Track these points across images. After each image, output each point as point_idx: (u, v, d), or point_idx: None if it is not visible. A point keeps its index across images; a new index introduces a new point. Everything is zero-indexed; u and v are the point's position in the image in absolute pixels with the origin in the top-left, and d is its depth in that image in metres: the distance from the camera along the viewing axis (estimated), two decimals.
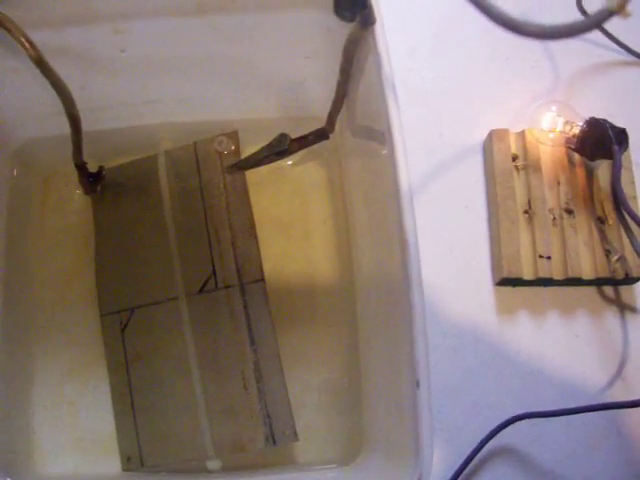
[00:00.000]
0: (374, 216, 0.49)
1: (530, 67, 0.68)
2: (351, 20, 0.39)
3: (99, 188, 0.61)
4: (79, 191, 0.61)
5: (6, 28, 0.44)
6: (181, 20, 0.48)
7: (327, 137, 0.56)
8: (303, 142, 0.56)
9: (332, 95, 0.50)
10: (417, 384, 0.35)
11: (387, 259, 0.45)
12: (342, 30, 0.43)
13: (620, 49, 0.70)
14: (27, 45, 0.44)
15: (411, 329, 0.35)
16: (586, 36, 0.67)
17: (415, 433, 0.34)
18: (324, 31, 0.47)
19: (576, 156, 0.63)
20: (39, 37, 0.45)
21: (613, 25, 0.67)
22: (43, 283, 0.59)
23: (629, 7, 0.28)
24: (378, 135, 0.44)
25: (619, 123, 0.61)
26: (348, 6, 0.38)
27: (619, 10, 0.28)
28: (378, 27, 0.40)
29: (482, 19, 0.31)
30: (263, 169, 0.59)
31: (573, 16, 0.28)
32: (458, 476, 0.55)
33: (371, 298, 0.53)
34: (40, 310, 0.59)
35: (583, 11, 0.68)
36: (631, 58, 0.70)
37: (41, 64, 0.45)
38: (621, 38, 0.69)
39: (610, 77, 0.70)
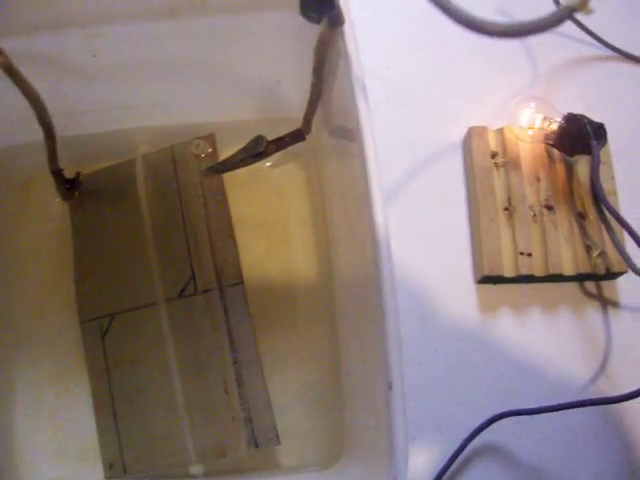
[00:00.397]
0: (350, 217, 0.49)
1: (508, 63, 0.68)
2: (318, 21, 0.39)
3: (77, 194, 0.60)
4: (58, 198, 0.61)
5: None
6: (152, 23, 0.48)
7: (304, 138, 0.55)
8: (280, 144, 0.55)
9: (307, 96, 0.50)
10: (390, 386, 0.34)
11: (362, 260, 0.45)
12: (313, 31, 0.43)
13: (598, 43, 0.70)
14: None
15: (383, 331, 0.35)
16: (564, 31, 0.68)
17: (389, 435, 0.34)
18: (295, 32, 0.47)
19: (555, 152, 0.63)
20: (7, 44, 0.44)
21: (591, 20, 0.67)
22: (22, 290, 0.59)
23: (591, 4, 0.28)
24: (351, 135, 0.44)
25: (599, 117, 0.61)
26: (314, 8, 0.38)
27: (581, 7, 0.28)
28: (347, 28, 0.40)
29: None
30: (241, 171, 0.58)
31: (548, 9, 0.28)
32: (442, 475, 0.55)
33: (349, 300, 0.53)
34: (20, 317, 0.58)
35: (557, 2, 0.68)
36: (609, 52, 0.70)
37: (10, 72, 0.45)
38: (599, 32, 0.69)
39: (589, 71, 0.70)
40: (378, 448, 0.39)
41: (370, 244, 0.37)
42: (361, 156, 0.38)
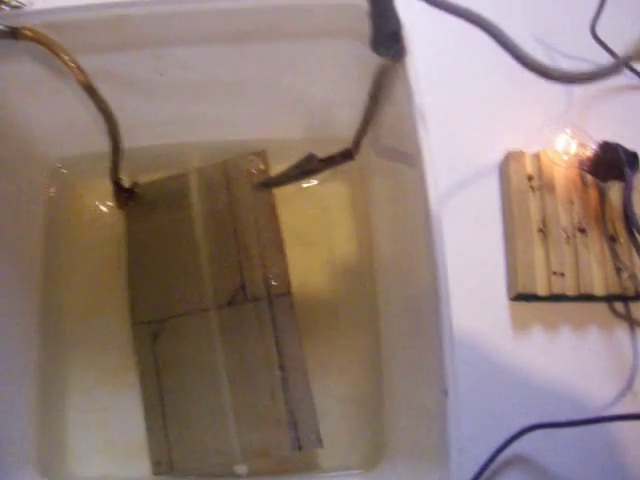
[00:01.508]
0: (399, 234, 0.52)
1: (544, 90, 0.71)
2: (387, 55, 0.42)
3: (131, 203, 0.63)
4: (111, 205, 0.64)
5: (56, 54, 0.47)
6: (218, 47, 0.51)
7: (353, 158, 0.58)
8: (330, 162, 0.58)
9: (357, 118, 0.53)
10: (445, 393, 0.37)
11: (412, 277, 0.48)
12: (371, 58, 0.45)
13: (632, 74, 0.72)
14: (76, 70, 0.47)
15: (441, 343, 0.37)
16: (600, 61, 0.70)
17: (443, 441, 0.37)
18: (354, 59, 0.50)
19: (589, 177, 0.65)
20: (84, 61, 0.47)
21: (625, 49, 0.70)
22: (78, 293, 0.62)
23: None
24: (405, 157, 0.46)
25: (630, 145, 0.64)
26: (384, 42, 0.41)
27: (638, 57, 0.31)
28: (409, 59, 0.43)
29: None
30: (290, 187, 0.61)
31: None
32: None
33: (395, 312, 0.55)
34: (75, 318, 0.61)
35: (597, 38, 0.70)
36: None
37: (88, 88, 0.48)
38: (636, 64, 0.72)
39: (622, 100, 0.72)
40: (425, 453, 0.42)
41: (427, 263, 0.40)
42: (421, 182, 0.40)
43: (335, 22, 0.48)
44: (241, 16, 0.47)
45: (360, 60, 0.49)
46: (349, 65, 0.51)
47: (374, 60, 0.45)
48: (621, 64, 0.30)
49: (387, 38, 0.40)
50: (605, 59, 0.70)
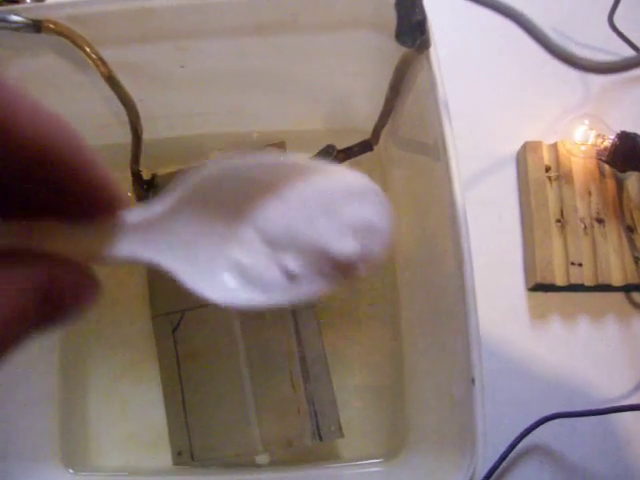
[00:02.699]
0: (420, 225, 0.52)
1: (562, 80, 0.71)
2: (411, 46, 0.42)
3: (151, 194, 0.63)
4: (131, 197, 0.64)
5: (79, 46, 0.47)
6: (240, 39, 0.51)
7: (372, 149, 0.58)
8: (349, 153, 0.58)
9: (377, 109, 0.53)
10: (473, 381, 0.37)
11: (434, 267, 0.48)
12: (392, 50, 0.46)
13: None
14: (99, 62, 0.47)
15: (467, 332, 0.38)
16: (617, 50, 0.70)
17: (470, 430, 0.37)
18: (375, 50, 0.50)
19: (607, 167, 0.65)
20: (105, 53, 0.48)
21: None
22: None
23: None
24: (426, 148, 0.47)
25: None
26: (409, 33, 0.41)
27: None
28: (432, 51, 0.43)
29: (516, 33, 0.34)
30: None
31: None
32: (492, 473, 0.57)
33: (416, 302, 0.56)
34: (95, 311, 0.61)
35: (615, 28, 0.70)
36: None
37: (111, 80, 0.48)
38: None
39: None
40: (451, 441, 0.42)
41: (452, 254, 0.40)
42: (446, 173, 0.40)
43: (356, 13, 0.48)
44: (263, 7, 0.47)
45: (381, 51, 0.50)
46: (369, 56, 0.52)
47: (395, 51, 0.45)
48: None
49: (412, 28, 0.40)
50: (622, 50, 0.69)
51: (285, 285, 0.27)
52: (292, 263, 0.27)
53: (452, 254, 0.40)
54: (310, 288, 0.27)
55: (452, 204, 0.40)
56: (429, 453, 0.48)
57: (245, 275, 0.27)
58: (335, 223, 0.27)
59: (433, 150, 0.44)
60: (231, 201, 0.27)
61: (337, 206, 0.27)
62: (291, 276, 0.27)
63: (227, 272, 0.27)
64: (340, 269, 0.27)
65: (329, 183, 0.27)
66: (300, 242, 0.27)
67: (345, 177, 0.28)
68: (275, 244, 0.28)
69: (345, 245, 0.27)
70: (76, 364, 0.60)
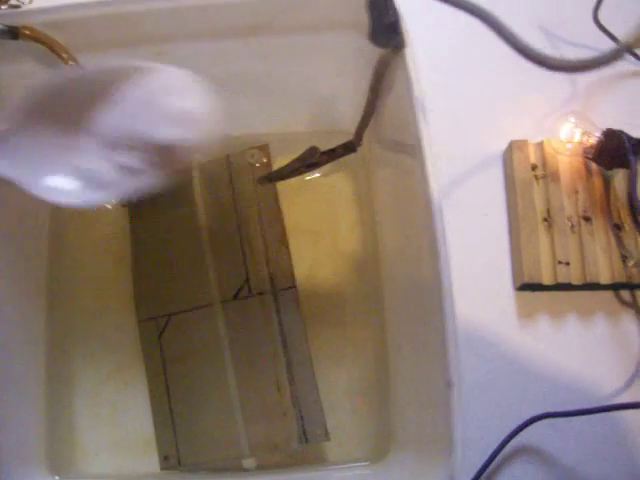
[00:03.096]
0: (402, 224, 0.52)
1: (548, 78, 0.70)
2: (385, 46, 0.42)
3: (135, 199, 0.63)
4: (115, 204, 0.64)
5: (56, 52, 0.47)
6: (218, 42, 0.51)
7: (355, 150, 0.58)
8: (332, 154, 0.58)
9: (359, 110, 0.53)
10: (449, 385, 0.37)
11: (416, 268, 0.48)
12: (372, 50, 0.45)
13: (636, 60, 0.72)
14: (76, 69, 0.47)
15: (444, 334, 0.38)
16: (602, 47, 0.70)
17: (448, 432, 0.37)
18: (355, 51, 0.50)
19: (593, 165, 0.65)
20: (84, 59, 0.48)
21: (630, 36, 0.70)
22: (83, 290, 0.62)
23: None
24: (407, 148, 0.46)
25: (636, 132, 0.63)
26: (383, 34, 0.41)
27: (637, 45, 0.31)
28: (408, 51, 0.43)
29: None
30: (293, 180, 0.61)
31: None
32: (481, 474, 0.57)
33: (400, 306, 0.55)
34: (81, 316, 0.62)
35: (600, 25, 0.70)
36: None
37: None
38: (638, 50, 0.71)
39: (627, 87, 0.72)
40: (432, 444, 0.42)
41: (428, 253, 0.40)
42: (422, 172, 0.40)
43: (336, 14, 0.47)
44: (240, 11, 0.47)
45: (361, 52, 0.49)
46: (351, 57, 0.51)
47: (375, 52, 0.45)
48: (621, 51, 0.30)
49: (385, 29, 0.40)
50: (608, 46, 0.69)
51: (121, 180, 0.31)
52: (126, 159, 0.31)
53: (429, 255, 0.40)
54: (143, 179, 0.32)
55: (427, 203, 0.39)
56: (413, 456, 0.48)
57: (85, 178, 0.31)
58: (159, 116, 0.31)
59: (412, 150, 0.44)
60: (68, 113, 0.30)
61: (160, 101, 0.31)
62: (126, 170, 0.31)
63: (69, 177, 0.31)
64: (167, 157, 0.31)
65: (153, 82, 0.32)
66: (131, 138, 0.31)
67: (167, 75, 0.33)
68: (110, 144, 0.31)
69: (168, 133, 0.31)
70: (63, 370, 0.60)
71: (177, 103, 0.32)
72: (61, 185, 0.31)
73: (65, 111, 0.31)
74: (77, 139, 0.31)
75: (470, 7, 0.34)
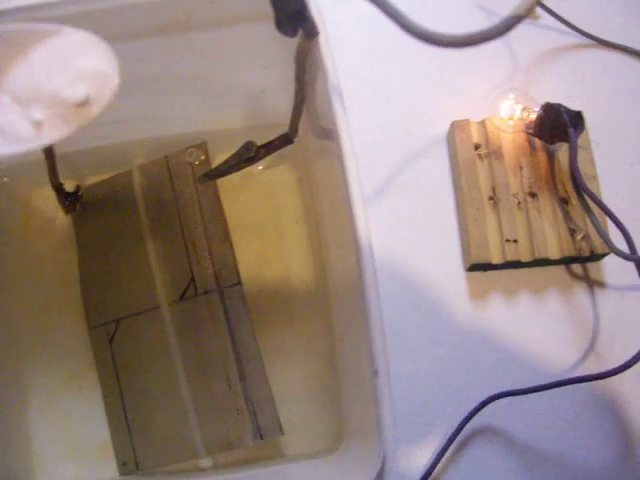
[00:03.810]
0: (336, 216, 0.51)
1: (488, 57, 0.70)
2: (293, 35, 0.41)
3: (78, 206, 0.63)
4: (60, 212, 0.63)
5: None
6: (140, 42, 0.50)
7: (292, 141, 0.58)
8: (269, 148, 0.58)
9: (292, 101, 0.53)
10: (375, 373, 0.37)
11: (348, 258, 0.47)
12: (294, 41, 0.45)
13: (575, 32, 0.72)
14: None
15: (367, 322, 0.37)
16: (540, 22, 0.70)
17: (377, 418, 0.37)
18: (277, 43, 0.49)
19: (537, 141, 0.65)
20: None
21: (566, 9, 0.70)
22: (32, 301, 0.62)
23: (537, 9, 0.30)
24: (332, 134, 0.46)
25: (579, 105, 0.63)
26: (288, 23, 0.40)
27: (528, 14, 0.30)
28: (322, 38, 0.42)
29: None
30: (234, 176, 0.61)
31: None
32: (441, 457, 0.57)
33: (341, 297, 0.55)
34: (30, 326, 0.61)
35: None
36: (586, 40, 0.72)
37: None
38: (574, 21, 0.71)
39: (567, 60, 0.72)
40: (370, 432, 0.42)
41: (352, 242, 0.40)
42: (340, 160, 0.40)
43: (249, 7, 0.47)
44: (155, 9, 0.46)
45: (283, 43, 0.49)
46: (273, 49, 0.51)
47: (295, 42, 0.45)
48: (513, 20, 0.30)
49: (290, 18, 0.39)
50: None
51: (33, 133, 0.35)
52: (37, 114, 0.35)
53: (352, 244, 0.40)
54: (54, 132, 0.35)
55: (346, 188, 0.39)
56: (357, 445, 0.48)
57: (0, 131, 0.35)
58: (68, 74, 0.35)
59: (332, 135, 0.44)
60: None
61: (69, 60, 0.36)
62: (37, 124, 0.35)
63: None
64: (75, 112, 0.35)
65: (61, 43, 0.36)
66: (42, 95, 0.35)
67: (72, 36, 0.36)
68: (22, 101, 0.35)
69: (77, 91, 0.35)
70: (13, 381, 0.59)
71: (87, 62, 0.36)
72: None
73: None
74: None
75: None
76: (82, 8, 0.46)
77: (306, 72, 0.47)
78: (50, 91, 0.36)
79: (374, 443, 0.39)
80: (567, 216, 0.63)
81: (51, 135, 0.36)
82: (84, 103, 0.36)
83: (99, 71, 0.37)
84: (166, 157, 0.62)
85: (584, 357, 0.62)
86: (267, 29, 0.48)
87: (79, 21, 0.45)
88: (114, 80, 0.37)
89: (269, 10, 0.46)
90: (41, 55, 0.36)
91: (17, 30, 0.36)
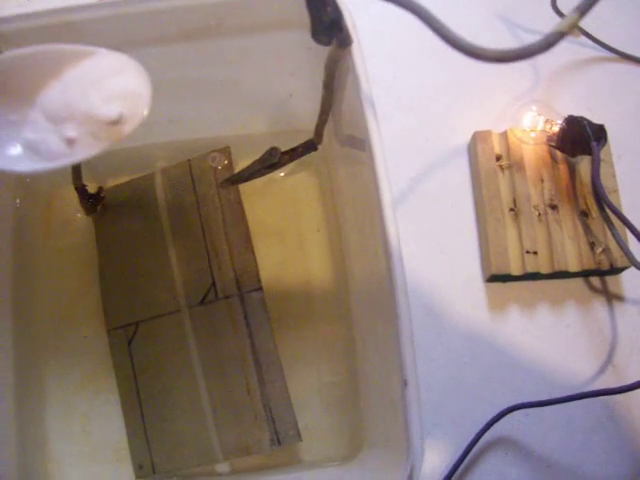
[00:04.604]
0: (361, 223, 0.51)
1: (510, 68, 0.70)
2: (328, 44, 0.41)
3: (99, 208, 0.63)
4: (80, 213, 0.64)
5: None
6: (170, 47, 0.50)
7: (316, 148, 0.58)
8: (293, 154, 0.58)
9: (318, 108, 0.53)
10: (405, 383, 0.37)
11: (374, 265, 0.47)
12: (323, 49, 0.45)
13: (597, 46, 0.72)
14: None
15: (397, 331, 0.37)
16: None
17: (405, 428, 0.37)
18: (305, 50, 0.50)
19: (558, 153, 0.65)
20: None
21: (589, 22, 0.70)
22: (51, 302, 0.62)
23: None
24: (361, 144, 0.46)
25: (600, 118, 0.63)
26: (324, 32, 0.40)
27: (570, 31, 0.30)
28: (355, 47, 0.42)
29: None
30: (257, 181, 0.61)
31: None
32: (457, 467, 0.57)
33: (363, 303, 0.55)
34: (49, 328, 0.61)
35: (559, 12, 0.69)
36: (608, 54, 0.72)
37: None
38: (598, 35, 0.71)
39: (589, 73, 0.72)
40: (395, 441, 0.42)
41: (382, 250, 0.40)
42: (372, 168, 0.40)
43: (281, 14, 0.47)
44: (186, 14, 0.47)
45: (313, 51, 0.49)
46: (303, 56, 0.51)
47: (325, 50, 0.45)
48: (555, 37, 0.30)
49: (326, 27, 0.39)
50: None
51: (65, 150, 0.36)
52: (70, 131, 0.36)
53: (383, 253, 0.40)
54: (86, 149, 0.37)
55: (378, 199, 0.39)
56: (381, 453, 0.48)
57: (32, 148, 0.36)
58: (102, 94, 0.36)
59: (363, 145, 0.44)
60: (18, 90, 0.36)
61: (104, 80, 0.37)
62: (70, 141, 0.36)
63: (18, 148, 0.36)
64: (109, 130, 0.37)
65: (96, 63, 0.37)
66: (75, 113, 0.36)
67: (110, 57, 0.38)
68: (57, 119, 0.36)
69: (111, 109, 0.36)
70: (32, 381, 0.59)
71: (120, 83, 0.37)
72: (10, 154, 0.36)
73: (13, 91, 0.36)
74: (25, 114, 0.36)
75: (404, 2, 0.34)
76: (114, 12, 0.46)
77: (335, 79, 0.48)
78: (84, 109, 0.37)
79: (400, 455, 0.39)
80: (587, 229, 0.63)
81: (83, 152, 0.37)
82: (117, 121, 0.37)
83: (132, 91, 0.38)
84: (189, 161, 0.63)
85: (602, 370, 0.62)
86: (296, 36, 0.49)
87: (111, 24, 0.46)
88: (146, 100, 0.38)
89: (298, 17, 0.47)
90: (76, 75, 0.37)
91: (56, 51, 0.37)
